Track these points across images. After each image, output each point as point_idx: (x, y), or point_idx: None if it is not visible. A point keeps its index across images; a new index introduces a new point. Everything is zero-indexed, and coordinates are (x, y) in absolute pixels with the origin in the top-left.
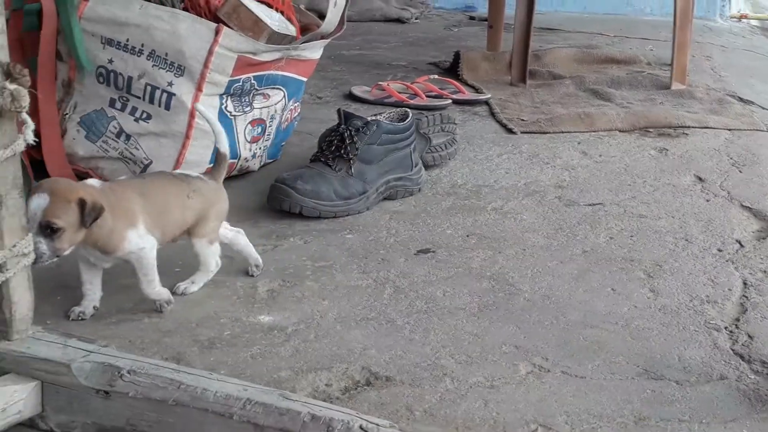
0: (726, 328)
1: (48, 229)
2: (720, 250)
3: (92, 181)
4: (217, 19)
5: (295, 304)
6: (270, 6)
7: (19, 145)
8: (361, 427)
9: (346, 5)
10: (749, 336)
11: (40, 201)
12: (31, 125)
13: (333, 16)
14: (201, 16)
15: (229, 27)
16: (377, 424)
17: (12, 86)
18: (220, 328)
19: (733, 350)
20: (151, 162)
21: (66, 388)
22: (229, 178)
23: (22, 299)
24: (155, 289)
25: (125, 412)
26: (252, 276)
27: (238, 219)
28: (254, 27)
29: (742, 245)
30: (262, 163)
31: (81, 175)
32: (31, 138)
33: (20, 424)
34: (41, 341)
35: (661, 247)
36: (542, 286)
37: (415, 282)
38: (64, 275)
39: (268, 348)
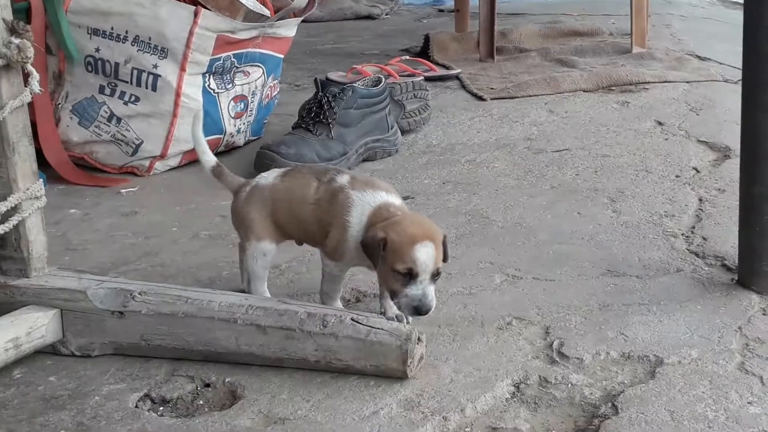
0: (683, 234)
1: (437, 276)
2: (678, 176)
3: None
4: (195, 2)
5: (287, 247)
6: None
7: (27, 96)
8: (352, 319)
9: None
10: (704, 238)
11: (429, 251)
12: (36, 76)
13: None
14: (180, 0)
15: (206, 8)
16: (366, 316)
17: (17, 40)
18: (218, 269)
19: (688, 250)
20: (142, 142)
21: (83, 313)
22: (217, 154)
23: (38, 239)
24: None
25: (139, 329)
26: None
27: None
28: (230, 7)
29: (698, 171)
30: (246, 139)
31: (76, 161)
32: (37, 88)
33: (45, 352)
34: (57, 276)
35: (623, 178)
36: (514, 216)
37: None
38: (69, 240)
39: None
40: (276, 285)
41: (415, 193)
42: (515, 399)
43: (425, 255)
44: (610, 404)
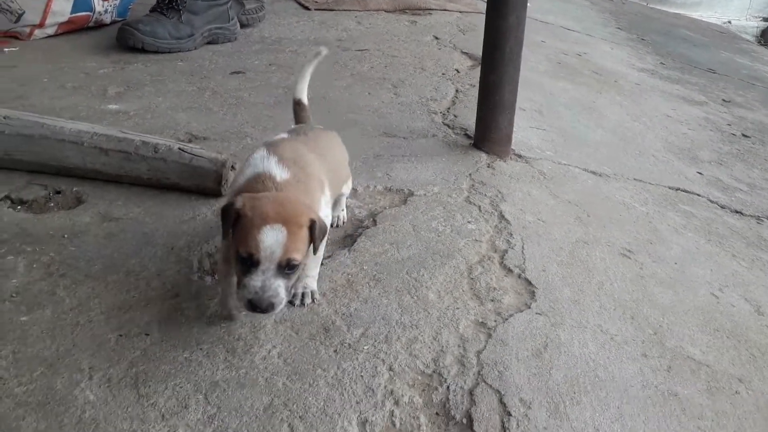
0: (441, 112)
1: (287, 268)
2: (443, 74)
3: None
4: None
5: (137, 99)
6: None
7: None
8: (179, 148)
9: None
10: (455, 116)
11: (278, 236)
12: None
13: None
14: None
15: None
16: (191, 147)
17: None
18: (77, 111)
19: (443, 123)
20: (24, 12)
21: None
22: (87, 29)
23: None
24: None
25: (3, 146)
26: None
27: (94, 54)
28: None
29: (458, 72)
30: (112, 19)
31: None
32: None
33: None
34: None
35: (405, 72)
36: (320, 93)
37: (228, 89)
38: None
39: (114, 122)
40: (122, 126)
41: (246, 70)
42: None
43: (272, 239)
44: (371, 219)
